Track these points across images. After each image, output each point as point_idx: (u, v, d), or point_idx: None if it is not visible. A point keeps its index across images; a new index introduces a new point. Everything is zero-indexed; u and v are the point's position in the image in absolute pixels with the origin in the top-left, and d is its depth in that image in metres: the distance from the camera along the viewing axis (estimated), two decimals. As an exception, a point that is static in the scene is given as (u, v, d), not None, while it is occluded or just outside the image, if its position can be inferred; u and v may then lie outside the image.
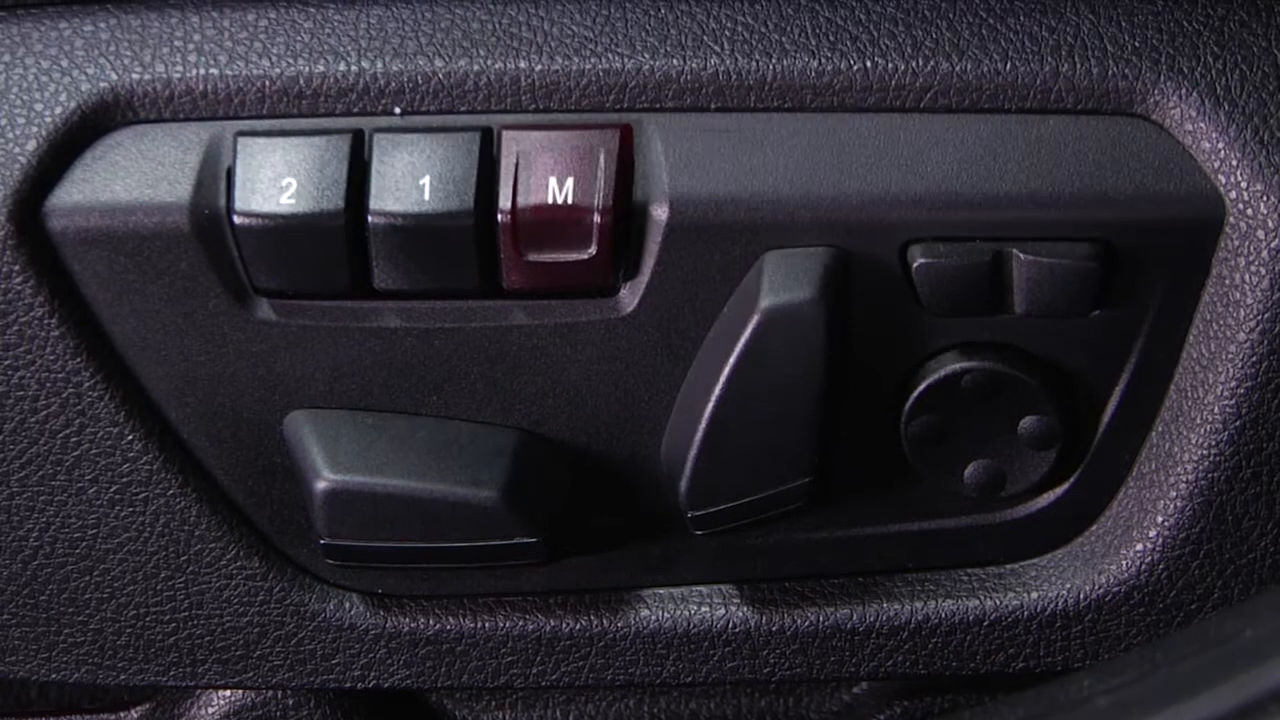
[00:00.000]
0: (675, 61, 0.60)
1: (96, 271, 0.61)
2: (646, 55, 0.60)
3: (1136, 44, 0.60)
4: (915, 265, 0.60)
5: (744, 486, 0.62)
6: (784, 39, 0.60)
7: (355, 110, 0.61)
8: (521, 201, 0.59)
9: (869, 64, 0.60)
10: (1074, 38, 0.60)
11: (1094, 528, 0.66)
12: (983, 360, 0.62)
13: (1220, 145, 0.59)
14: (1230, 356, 0.61)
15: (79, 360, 0.62)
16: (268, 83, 0.60)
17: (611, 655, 0.68)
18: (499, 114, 0.60)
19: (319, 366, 0.63)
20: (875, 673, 0.68)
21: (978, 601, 0.67)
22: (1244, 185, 0.59)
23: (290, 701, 0.75)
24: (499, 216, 0.59)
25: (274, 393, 0.63)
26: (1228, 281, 0.60)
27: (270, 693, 0.75)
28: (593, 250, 0.60)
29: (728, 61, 0.60)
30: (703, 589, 0.68)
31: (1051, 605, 0.66)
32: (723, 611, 0.67)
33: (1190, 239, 0.60)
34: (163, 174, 0.60)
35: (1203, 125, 0.60)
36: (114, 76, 0.61)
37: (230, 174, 0.60)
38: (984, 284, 0.60)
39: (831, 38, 0.60)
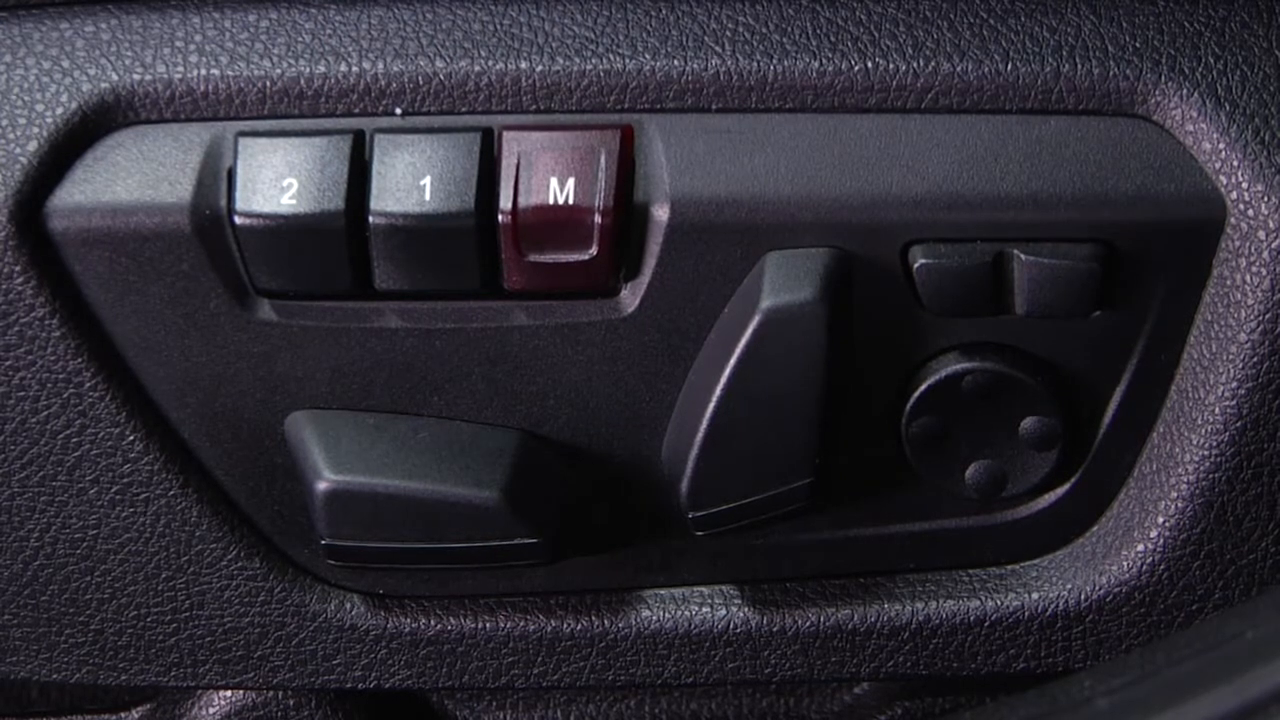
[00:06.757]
0: (676, 62, 0.60)
1: (97, 272, 0.61)
2: (647, 56, 0.60)
3: (1137, 44, 0.60)
4: (916, 266, 0.60)
5: (745, 487, 0.62)
6: (785, 39, 0.60)
7: (356, 111, 0.61)
8: (522, 202, 0.59)
9: (870, 64, 0.60)
10: (1075, 38, 0.60)
11: (1095, 528, 0.66)
12: (984, 361, 0.62)
13: (1221, 146, 0.59)
14: (1231, 357, 0.61)
15: (80, 361, 0.62)
16: (269, 83, 0.60)
17: (612, 656, 0.68)
18: (500, 114, 0.60)
19: (320, 367, 0.63)
20: (876, 673, 0.68)
21: (979, 602, 0.67)
22: (1245, 186, 0.59)
23: (291, 702, 0.75)
24: (500, 217, 0.59)
25: (275, 393, 0.63)
26: (1229, 282, 0.60)
27: (271, 693, 0.75)
28: (593, 251, 0.60)
29: (729, 62, 0.60)
30: (704, 589, 0.68)
31: (1052, 606, 0.66)
32: (724, 612, 0.67)
33: (1191, 240, 0.60)
34: (164, 174, 0.60)
35: (1204, 126, 0.60)
36: (115, 77, 0.61)
37: (231, 174, 0.60)
38: (985, 285, 0.60)
39: (832, 38, 0.60)
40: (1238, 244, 0.60)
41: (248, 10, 0.61)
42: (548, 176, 0.59)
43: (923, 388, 0.62)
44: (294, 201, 0.59)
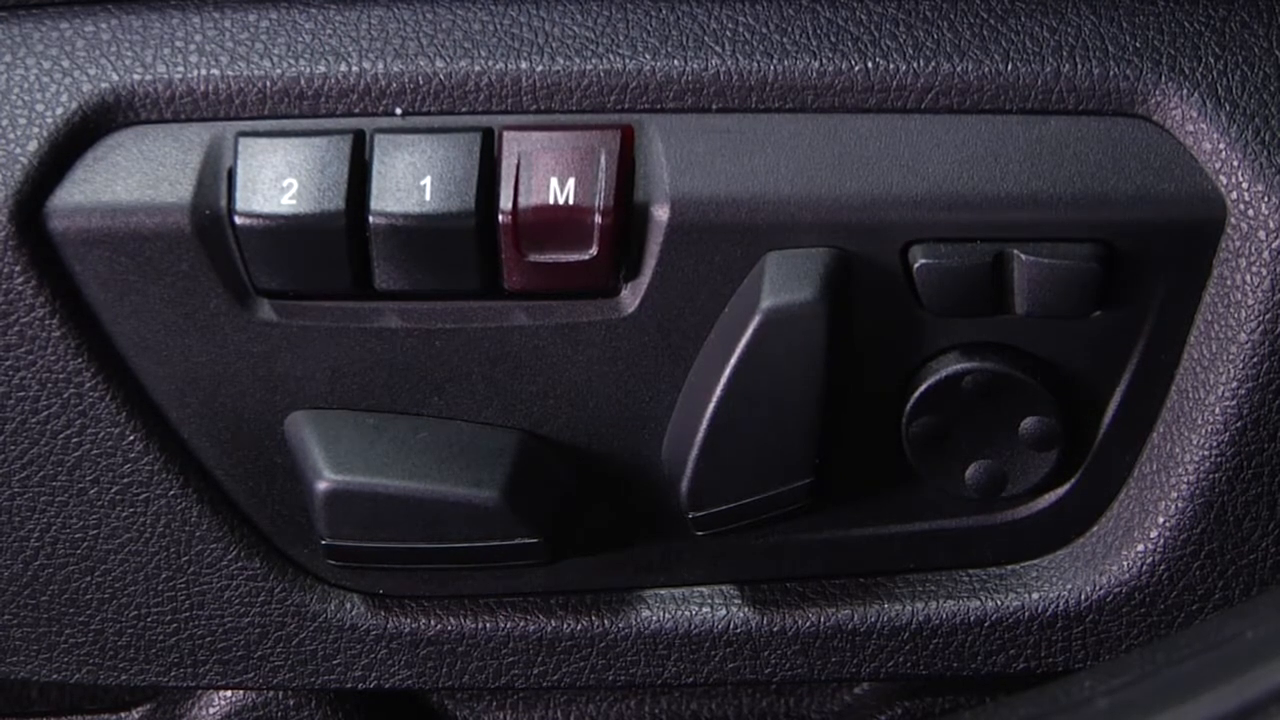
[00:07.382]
0: (676, 62, 0.60)
1: (97, 272, 0.61)
2: (648, 56, 0.60)
3: (1137, 45, 0.60)
4: (916, 266, 0.60)
5: (745, 487, 0.62)
6: (785, 40, 0.60)
7: (356, 111, 0.61)
8: (522, 202, 0.59)
9: (870, 65, 0.60)
10: (1075, 38, 0.60)
11: (1095, 528, 0.66)
12: (984, 361, 0.62)
13: (1221, 146, 0.59)
14: (1231, 357, 0.61)
15: (80, 361, 0.62)
16: (269, 83, 0.61)
17: (613, 656, 0.68)
18: (500, 114, 0.60)
19: (320, 367, 0.63)
20: (876, 673, 0.68)
21: (979, 602, 0.67)
22: (1245, 186, 0.59)
23: (291, 702, 0.75)
24: (500, 217, 0.59)
25: (275, 393, 0.63)
26: (1229, 282, 0.60)
27: (271, 693, 0.75)
28: (594, 251, 0.60)
29: (729, 62, 0.60)
30: (704, 590, 0.68)
31: (1052, 606, 0.66)
32: (724, 612, 0.67)
33: (1191, 240, 0.60)
34: (164, 174, 0.61)
35: (1204, 126, 0.60)
36: (115, 77, 0.61)
37: (231, 174, 0.60)
38: (985, 285, 0.60)
39: (832, 38, 0.60)
40: (1238, 244, 0.60)
41: (248, 10, 0.61)
42: (548, 176, 0.59)
43: (923, 388, 0.62)
44: (294, 201, 0.59)
